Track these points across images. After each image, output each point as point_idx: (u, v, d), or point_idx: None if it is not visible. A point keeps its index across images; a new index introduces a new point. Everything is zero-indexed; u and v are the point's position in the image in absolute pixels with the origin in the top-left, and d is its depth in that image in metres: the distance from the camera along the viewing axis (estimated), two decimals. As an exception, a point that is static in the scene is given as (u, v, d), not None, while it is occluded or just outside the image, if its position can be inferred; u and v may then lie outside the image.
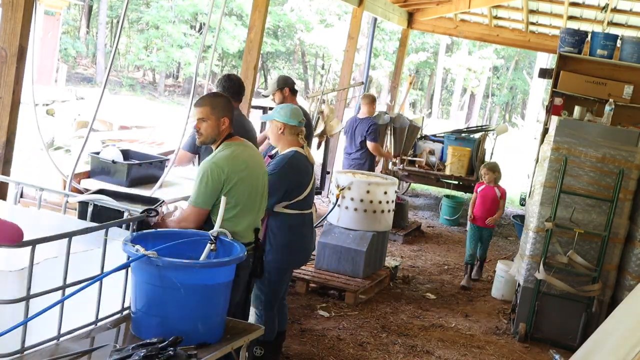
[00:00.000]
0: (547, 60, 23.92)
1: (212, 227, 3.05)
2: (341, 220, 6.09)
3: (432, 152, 10.34)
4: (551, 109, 7.39)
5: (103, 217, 3.30)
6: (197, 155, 4.86)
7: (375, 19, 11.10)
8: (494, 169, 6.83)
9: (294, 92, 5.51)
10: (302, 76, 33.03)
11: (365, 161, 7.61)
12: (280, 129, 3.94)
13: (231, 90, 4.81)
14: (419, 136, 10.43)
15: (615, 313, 4.66)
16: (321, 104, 7.40)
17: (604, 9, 9.36)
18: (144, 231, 3.04)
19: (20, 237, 2.39)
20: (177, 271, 2.69)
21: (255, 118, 6.90)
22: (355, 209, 6.02)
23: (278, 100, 5.46)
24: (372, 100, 7.86)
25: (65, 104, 14.75)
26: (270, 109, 6.03)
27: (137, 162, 5.45)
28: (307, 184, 4.01)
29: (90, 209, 3.38)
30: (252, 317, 3.98)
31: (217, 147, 3.39)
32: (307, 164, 4.04)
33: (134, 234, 2.90)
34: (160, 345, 2.52)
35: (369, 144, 7.57)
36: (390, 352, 4.82)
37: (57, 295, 2.55)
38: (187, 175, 5.67)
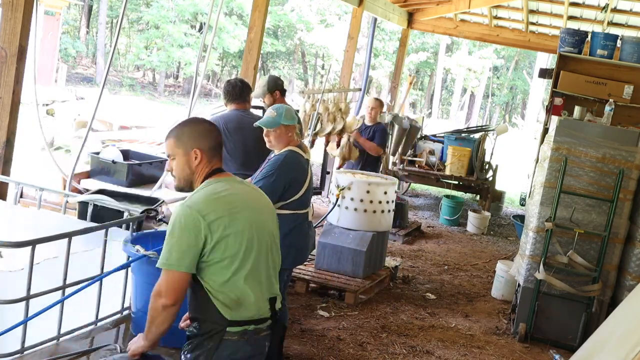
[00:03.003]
0: (547, 60, 23.94)
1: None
2: (341, 220, 6.09)
3: (432, 152, 10.34)
4: (551, 109, 7.39)
5: (103, 217, 3.31)
6: None
7: (375, 19, 11.09)
8: None
9: (283, 93, 5.33)
10: (302, 76, 33.05)
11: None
12: (288, 132, 3.93)
13: (233, 95, 4.82)
14: (419, 136, 10.43)
15: (615, 313, 4.66)
16: (319, 104, 7.38)
17: (604, 9, 9.36)
18: (144, 231, 3.04)
19: None
20: (177, 271, 2.68)
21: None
22: (355, 209, 6.02)
23: (268, 103, 5.27)
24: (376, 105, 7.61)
25: (65, 104, 14.76)
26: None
27: (137, 162, 5.46)
28: (302, 182, 3.98)
29: (90, 209, 3.38)
30: None
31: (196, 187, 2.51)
32: (303, 161, 4.00)
33: (134, 234, 2.90)
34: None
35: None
36: (390, 352, 4.82)
37: (57, 295, 2.55)
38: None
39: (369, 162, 7.38)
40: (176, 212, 2.32)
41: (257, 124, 3.94)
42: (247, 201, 2.47)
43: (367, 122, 7.51)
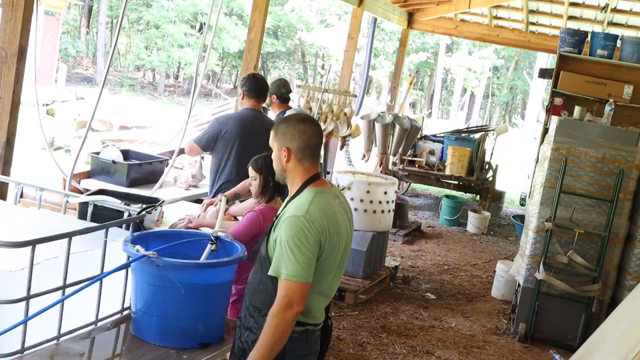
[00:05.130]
0: (547, 60, 23.92)
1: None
2: (341, 220, 6.08)
3: (432, 152, 10.34)
4: (551, 109, 7.39)
5: (103, 217, 3.31)
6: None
7: (375, 19, 11.10)
8: None
9: (284, 100, 5.29)
10: (302, 76, 33.06)
11: None
12: None
13: (255, 91, 4.64)
14: (419, 136, 10.44)
15: (615, 313, 4.66)
16: (319, 103, 7.38)
17: (604, 9, 9.37)
18: (144, 231, 3.04)
19: None
20: (177, 271, 2.69)
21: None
22: (355, 209, 6.01)
23: (267, 101, 5.28)
24: None
25: (65, 104, 14.77)
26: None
27: (137, 162, 5.47)
28: None
29: (90, 209, 3.38)
30: None
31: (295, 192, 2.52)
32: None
33: (134, 234, 2.90)
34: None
35: None
36: (390, 352, 4.82)
37: (57, 295, 2.55)
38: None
39: None
40: (296, 225, 2.35)
41: None
42: (344, 222, 2.53)
43: None
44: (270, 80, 5.32)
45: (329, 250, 2.42)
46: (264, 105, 6.17)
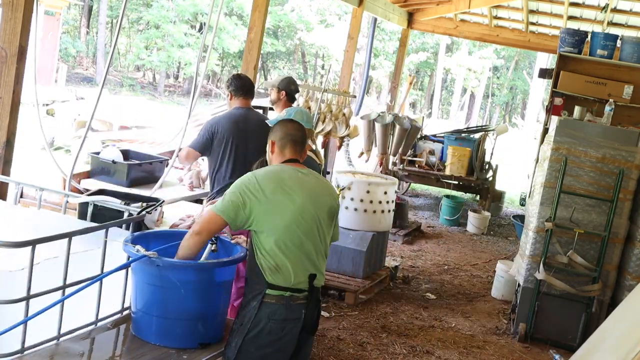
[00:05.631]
0: (547, 60, 23.92)
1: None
2: (341, 220, 6.06)
3: (432, 152, 10.34)
4: (551, 109, 7.39)
5: (103, 217, 3.31)
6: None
7: (375, 19, 11.09)
8: None
9: (291, 98, 5.22)
10: (302, 76, 33.04)
11: None
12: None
13: (243, 89, 4.62)
14: (419, 136, 10.44)
15: (615, 313, 4.66)
16: (319, 103, 7.38)
17: (604, 9, 9.37)
18: (144, 231, 3.04)
19: None
20: (177, 271, 2.69)
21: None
22: (355, 209, 6.02)
23: (273, 97, 5.23)
24: None
25: (65, 104, 14.76)
26: (271, 109, 5.99)
27: (137, 162, 5.47)
28: None
29: (90, 209, 3.38)
30: None
31: None
32: (315, 165, 4.02)
33: (134, 234, 2.90)
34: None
35: None
36: (390, 352, 4.82)
37: (57, 295, 2.55)
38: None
39: None
40: (243, 177, 2.80)
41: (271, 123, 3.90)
42: (302, 186, 2.81)
43: None
44: (270, 77, 5.30)
45: (270, 205, 2.71)
46: (263, 106, 6.15)
